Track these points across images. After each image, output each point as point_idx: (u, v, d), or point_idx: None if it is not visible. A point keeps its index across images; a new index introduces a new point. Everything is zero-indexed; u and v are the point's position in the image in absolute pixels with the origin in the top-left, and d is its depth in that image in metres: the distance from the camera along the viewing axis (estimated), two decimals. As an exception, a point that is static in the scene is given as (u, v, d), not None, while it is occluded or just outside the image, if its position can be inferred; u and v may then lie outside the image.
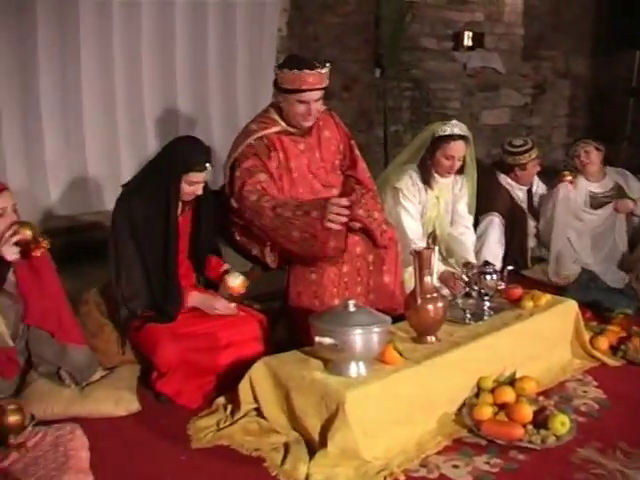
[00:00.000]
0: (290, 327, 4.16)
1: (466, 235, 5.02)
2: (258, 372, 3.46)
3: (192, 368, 3.70)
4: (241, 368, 3.57)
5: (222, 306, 3.90)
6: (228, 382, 3.67)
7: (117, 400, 3.60)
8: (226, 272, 4.03)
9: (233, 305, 3.93)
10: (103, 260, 4.02)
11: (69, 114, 5.31)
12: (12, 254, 3.27)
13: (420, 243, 4.51)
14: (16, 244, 3.28)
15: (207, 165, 3.75)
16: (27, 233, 3.30)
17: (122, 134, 5.60)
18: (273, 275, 4.30)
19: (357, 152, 4.41)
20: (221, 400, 3.65)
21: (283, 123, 4.13)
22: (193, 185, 3.75)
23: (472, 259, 4.83)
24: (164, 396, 3.70)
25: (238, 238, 4.19)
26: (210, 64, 6.09)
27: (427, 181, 4.78)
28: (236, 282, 3.94)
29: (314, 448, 3.20)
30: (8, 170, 4.99)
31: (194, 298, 3.89)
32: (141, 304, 3.77)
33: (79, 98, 5.31)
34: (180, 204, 3.84)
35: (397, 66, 7.44)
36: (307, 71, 3.92)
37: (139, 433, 3.45)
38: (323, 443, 3.15)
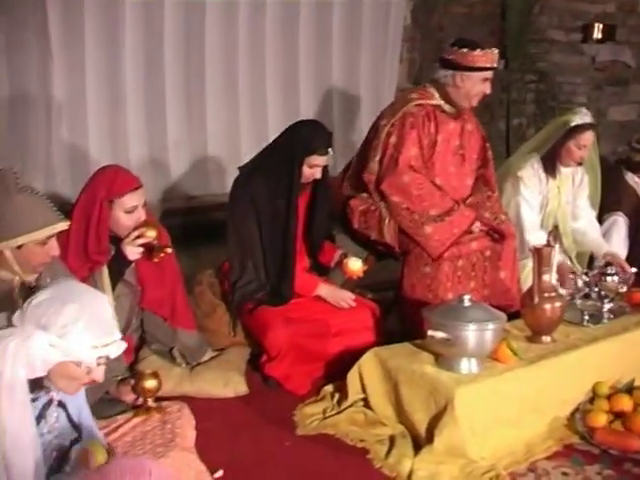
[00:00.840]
0: (402, 318, 4.12)
1: (591, 228, 4.83)
2: (368, 362, 3.43)
3: (302, 353, 3.71)
4: (351, 357, 3.55)
5: (349, 299, 3.89)
6: (337, 370, 3.66)
7: (226, 381, 3.64)
8: (344, 256, 4.02)
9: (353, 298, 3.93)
10: (220, 242, 4.08)
11: (191, 96, 5.38)
12: (135, 254, 3.31)
13: (536, 234, 4.38)
14: (140, 245, 3.33)
15: (329, 150, 3.77)
16: (152, 236, 3.31)
17: (243, 116, 5.65)
18: (387, 265, 4.29)
19: (490, 153, 4.40)
20: (329, 388, 3.64)
21: (440, 100, 4.15)
22: (313, 168, 3.78)
23: (607, 248, 4.71)
24: (272, 380, 3.72)
25: (356, 225, 4.17)
26: (334, 49, 6.07)
27: (551, 171, 4.64)
28: (356, 265, 3.94)
29: (420, 443, 3.15)
30: (130, 150, 5.12)
31: (322, 288, 3.91)
32: (257, 286, 3.81)
33: (202, 80, 5.38)
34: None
35: (522, 58, 7.25)
36: (494, 50, 4.05)
37: (245, 415, 3.48)
38: (429, 439, 3.09)
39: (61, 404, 2.26)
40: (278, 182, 3.76)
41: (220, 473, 2.99)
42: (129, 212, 3.31)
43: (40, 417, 2.17)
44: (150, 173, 5.12)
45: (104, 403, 3.03)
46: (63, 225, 2.70)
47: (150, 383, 2.96)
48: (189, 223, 4.96)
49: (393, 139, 4.07)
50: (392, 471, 3.05)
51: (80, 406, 2.39)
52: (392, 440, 3.23)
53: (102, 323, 2.10)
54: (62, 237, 2.79)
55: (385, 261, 4.28)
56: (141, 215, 3.35)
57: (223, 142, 5.55)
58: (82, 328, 2.03)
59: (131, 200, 3.30)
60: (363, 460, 3.15)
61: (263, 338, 3.72)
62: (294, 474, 3.06)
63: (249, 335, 3.96)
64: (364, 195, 4.16)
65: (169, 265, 3.58)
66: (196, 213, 5.21)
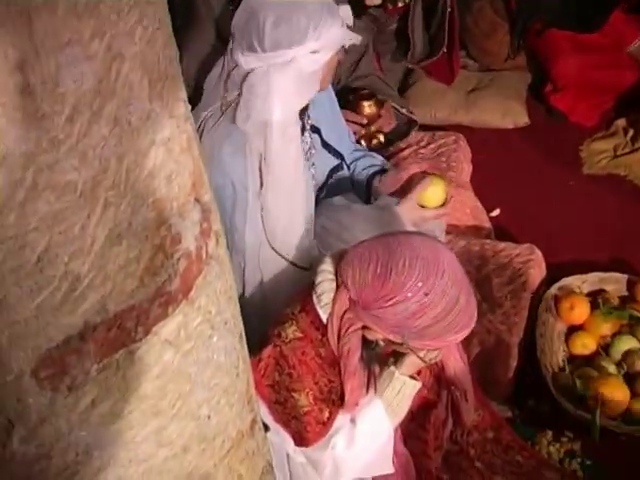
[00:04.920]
0: None
1: None
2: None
3: (592, 84, 3.29)
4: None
5: None
6: (631, 103, 3.24)
7: (505, 111, 3.34)
8: None
9: None
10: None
11: None
12: None
13: None
14: None
15: None
16: None
17: None
18: None
19: None
20: (621, 122, 3.24)
21: None
22: None
23: None
24: (557, 111, 3.34)
25: None
26: None
27: None
28: None
29: None
30: None
31: None
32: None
33: None
34: None
35: None
36: None
37: (525, 149, 3.20)
38: None
39: (315, 129, 2.12)
40: None
41: (497, 212, 2.84)
42: None
43: None
44: None
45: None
46: None
47: (367, 105, 2.75)
48: None
49: None
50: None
51: (340, 131, 2.24)
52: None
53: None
54: None
55: None
56: None
57: None
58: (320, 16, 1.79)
59: None
60: (659, 207, 2.84)
61: (551, 65, 3.33)
62: (577, 216, 2.83)
63: (533, 60, 3.55)
64: None
65: None
66: None
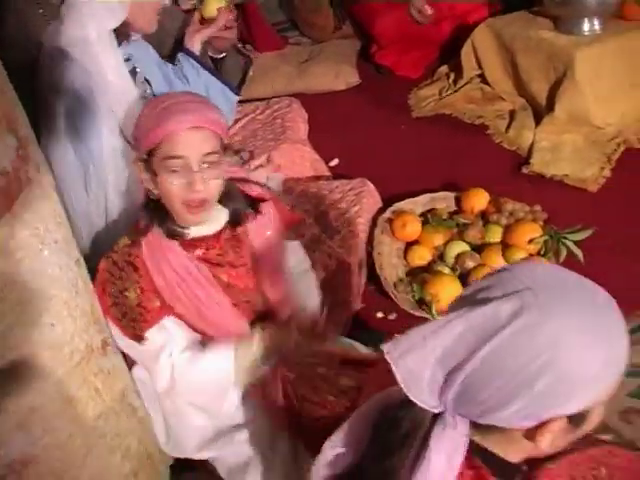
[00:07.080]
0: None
1: None
2: (481, 35, 3.22)
3: (412, 39, 3.51)
4: (464, 37, 3.32)
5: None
6: (451, 51, 3.46)
7: (337, 73, 3.53)
8: None
9: None
10: None
11: None
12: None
13: None
14: None
15: None
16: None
17: None
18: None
19: None
20: (444, 69, 3.49)
21: None
22: None
23: None
24: (384, 68, 3.58)
25: None
26: None
27: None
28: None
29: (541, 114, 2.99)
30: None
31: None
32: None
33: None
34: None
35: None
36: None
37: (358, 105, 3.40)
38: (550, 108, 2.92)
39: (146, 80, 2.15)
40: None
41: (335, 161, 2.99)
42: None
43: None
44: None
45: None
46: None
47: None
48: None
49: None
50: (512, 145, 2.96)
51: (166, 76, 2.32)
52: (512, 114, 3.10)
53: None
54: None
55: None
56: None
57: None
58: None
59: None
60: (483, 136, 3.06)
61: (371, 27, 3.54)
62: (409, 153, 3.02)
63: (357, 27, 3.77)
64: None
65: None
66: None
